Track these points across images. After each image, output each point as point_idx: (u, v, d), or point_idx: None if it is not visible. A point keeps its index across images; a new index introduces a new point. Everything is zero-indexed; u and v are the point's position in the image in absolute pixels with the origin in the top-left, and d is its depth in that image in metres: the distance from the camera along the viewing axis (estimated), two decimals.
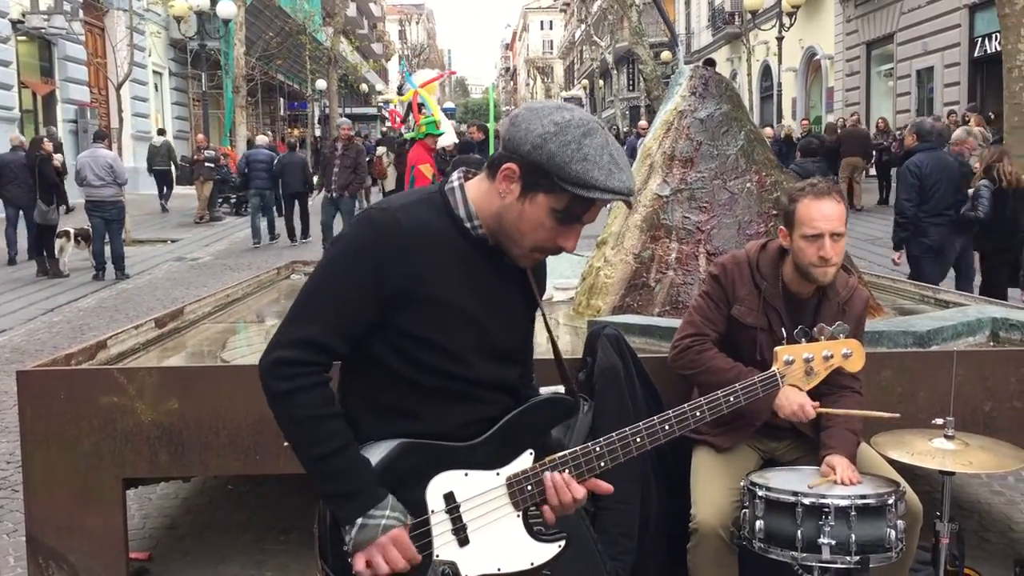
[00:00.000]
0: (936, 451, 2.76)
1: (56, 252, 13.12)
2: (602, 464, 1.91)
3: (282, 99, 41.71)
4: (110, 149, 14.02)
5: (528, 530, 1.90)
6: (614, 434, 1.94)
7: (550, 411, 1.94)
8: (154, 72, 27.85)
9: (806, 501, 2.70)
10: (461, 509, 1.85)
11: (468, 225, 1.84)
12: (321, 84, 38.58)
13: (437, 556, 1.84)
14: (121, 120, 21.10)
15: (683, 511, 3.10)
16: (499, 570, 1.88)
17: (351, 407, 1.91)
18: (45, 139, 14.20)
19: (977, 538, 4.23)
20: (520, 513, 1.89)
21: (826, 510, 2.68)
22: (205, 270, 13.99)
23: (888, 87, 24.62)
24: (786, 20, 23.99)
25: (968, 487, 4.92)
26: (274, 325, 5.25)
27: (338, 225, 13.40)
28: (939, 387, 3.47)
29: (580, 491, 1.90)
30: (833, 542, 2.67)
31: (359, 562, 1.80)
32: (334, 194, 13.46)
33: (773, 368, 2.30)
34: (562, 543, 1.92)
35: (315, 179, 16.41)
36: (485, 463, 1.87)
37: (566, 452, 1.91)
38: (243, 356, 4.44)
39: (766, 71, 31.77)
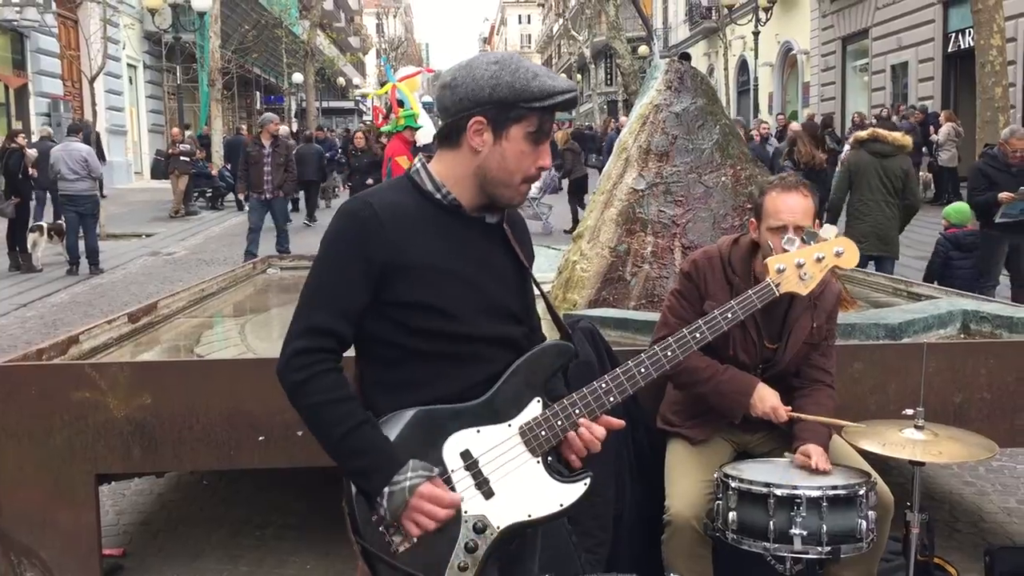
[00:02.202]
0: (906, 442, 2.79)
1: (29, 247, 12.98)
2: (611, 399, 2.00)
3: (258, 93, 41.43)
4: (86, 143, 13.82)
5: (551, 474, 1.96)
6: (618, 368, 2.02)
7: (550, 358, 2.01)
8: (128, 65, 27.58)
9: (778, 492, 2.73)
10: (480, 464, 1.92)
11: (438, 196, 1.96)
12: (298, 78, 38.37)
13: (466, 511, 1.90)
14: (95, 113, 20.89)
15: (657, 503, 3.12)
16: (529, 516, 1.94)
17: (368, 392, 2.00)
18: (21, 134, 14.01)
19: (948, 528, 4.28)
20: (539, 459, 1.95)
21: (798, 501, 2.70)
22: (180, 265, 13.89)
23: (863, 82, 24.80)
24: (762, 15, 24.15)
25: (939, 478, 4.97)
26: (248, 320, 5.25)
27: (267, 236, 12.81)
28: (910, 379, 3.51)
29: (599, 431, 1.99)
30: (805, 533, 2.69)
31: (409, 526, 1.86)
32: (267, 195, 12.53)
33: (767, 279, 2.28)
34: (587, 480, 1.98)
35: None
36: (495, 417, 1.94)
37: (574, 394, 1.98)
38: (217, 351, 4.42)
39: (743, 66, 31.91)
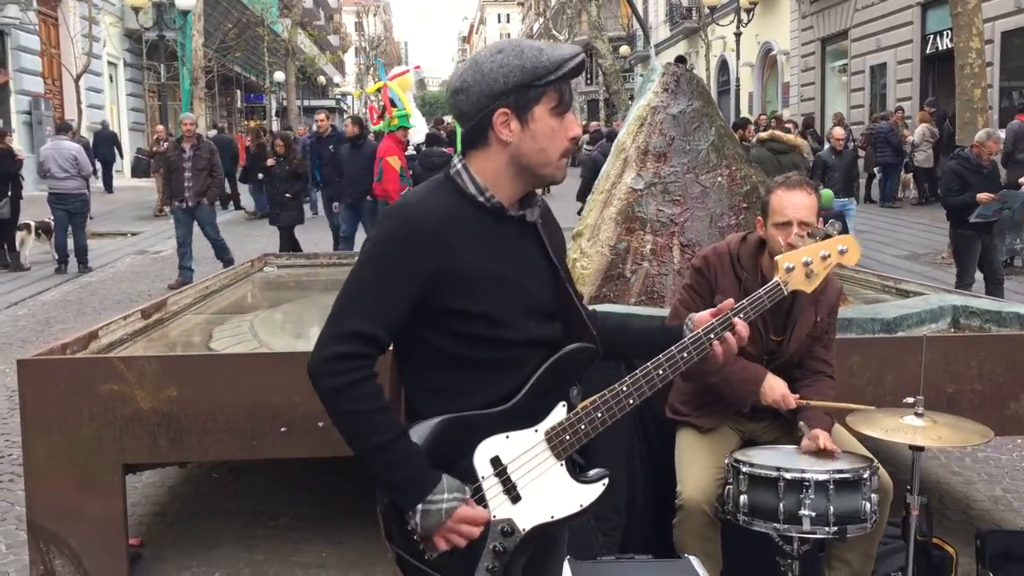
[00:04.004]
0: (907, 427, 2.94)
1: (17, 245, 12.97)
2: (631, 401, 2.04)
3: (239, 91, 41.33)
4: (74, 141, 13.80)
5: (573, 476, 2.02)
6: (637, 371, 2.06)
7: (572, 362, 2.03)
8: (109, 63, 27.46)
9: (788, 476, 2.88)
10: (509, 470, 1.96)
11: (482, 199, 1.97)
12: (279, 76, 38.31)
13: (494, 516, 1.95)
14: (80, 111, 20.81)
15: (668, 489, 3.27)
16: (552, 517, 2.00)
17: (412, 397, 2.02)
18: (7, 135, 13.96)
19: (938, 515, 4.44)
20: (563, 462, 2.01)
21: (806, 484, 2.85)
22: (168, 263, 13.87)
23: (842, 83, 25.08)
24: (743, 16, 24.35)
25: (929, 468, 5.15)
26: (256, 316, 5.36)
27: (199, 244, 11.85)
28: (905, 370, 3.67)
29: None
30: (813, 514, 2.84)
31: (439, 543, 1.90)
32: (189, 203, 11.35)
33: (776, 278, 2.34)
34: (605, 481, 2.05)
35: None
36: (522, 422, 1.98)
37: (596, 397, 2.03)
38: (231, 347, 4.53)
39: (723, 66, 32.18)
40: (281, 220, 12.22)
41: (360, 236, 12.07)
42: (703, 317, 2.19)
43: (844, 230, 3.22)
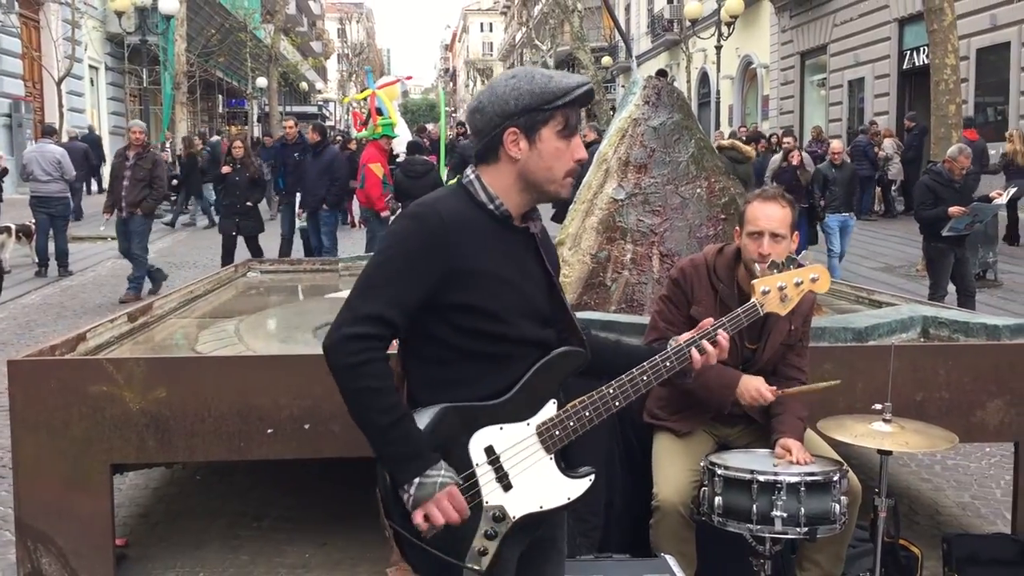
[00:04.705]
0: (875, 433, 3.05)
1: None
2: (616, 403, 2.20)
3: (220, 96, 41.25)
4: (58, 144, 13.79)
5: (561, 470, 2.17)
6: (624, 375, 2.22)
7: (565, 364, 2.20)
8: (90, 67, 27.38)
9: (761, 478, 2.98)
10: (501, 459, 2.11)
11: (492, 207, 2.14)
12: (262, 82, 38.28)
13: (487, 503, 2.09)
14: (61, 115, 20.76)
15: (645, 492, 3.37)
16: (541, 507, 2.14)
17: (414, 388, 2.17)
18: None
19: (907, 520, 4.57)
20: (552, 456, 2.16)
21: (779, 486, 2.96)
22: None
23: (821, 96, 25.39)
24: (724, 29, 24.58)
25: (899, 475, 5.28)
26: (241, 321, 5.42)
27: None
28: (876, 378, 3.78)
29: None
30: (785, 515, 2.95)
31: (418, 516, 2.03)
32: (123, 213, 10.89)
33: (752, 299, 2.50)
34: (591, 477, 2.20)
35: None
36: (516, 416, 2.13)
37: (584, 398, 2.18)
38: (216, 350, 4.60)
39: (704, 78, 32.44)
40: (241, 229, 11.76)
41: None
42: (686, 337, 2.37)
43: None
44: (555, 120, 2.11)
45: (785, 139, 15.47)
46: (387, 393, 2.05)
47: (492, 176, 2.16)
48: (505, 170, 2.14)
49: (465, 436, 2.10)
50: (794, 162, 12.19)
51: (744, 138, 16.70)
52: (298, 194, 12.53)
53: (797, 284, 2.53)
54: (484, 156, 2.16)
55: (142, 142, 11.22)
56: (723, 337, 2.34)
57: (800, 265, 2.60)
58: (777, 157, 13.24)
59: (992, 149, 15.46)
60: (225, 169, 12.05)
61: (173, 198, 21.42)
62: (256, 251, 11.71)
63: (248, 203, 11.82)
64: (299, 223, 12.42)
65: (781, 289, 2.51)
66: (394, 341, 2.15)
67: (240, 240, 11.90)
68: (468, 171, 2.20)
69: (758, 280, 2.54)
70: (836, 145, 12.33)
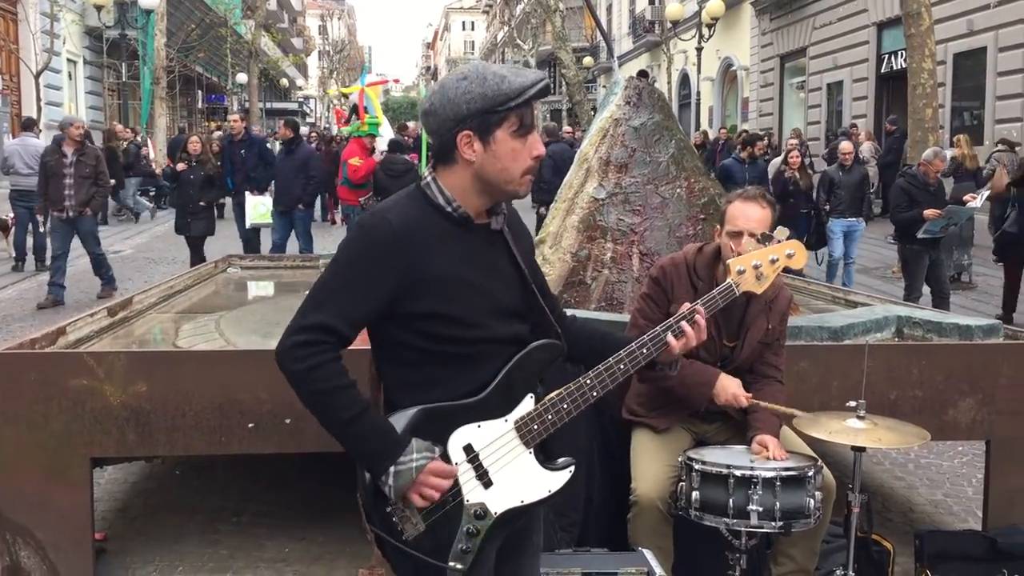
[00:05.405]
0: (849, 430, 3.09)
1: None
2: (594, 393, 2.19)
3: (200, 91, 41.03)
4: (38, 138, 13.67)
5: (541, 463, 2.17)
6: (600, 365, 2.21)
7: (540, 357, 2.18)
8: (68, 60, 27.16)
9: (737, 473, 3.03)
10: (480, 457, 2.10)
11: (449, 209, 2.10)
12: (242, 78, 38.13)
13: (468, 501, 2.09)
14: (39, 108, 20.59)
15: (624, 487, 3.41)
16: (522, 502, 2.14)
17: (390, 391, 2.16)
18: None
19: (880, 517, 4.64)
20: (531, 450, 2.15)
21: (755, 481, 3.01)
22: (128, 263, 13.85)
23: (800, 99, 25.58)
24: (705, 31, 24.73)
25: (873, 472, 5.36)
26: (221, 316, 5.42)
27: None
28: (851, 377, 3.83)
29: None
30: (760, 509, 3.00)
31: (415, 499, 2.04)
32: (70, 213, 10.35)
33: (728, 280, 2.48)
34: (572, 468, 2.20)
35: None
36: (493, 412, 2.12)
37: (561, 389, 2.18)
38: (196, 344, 4.60)
39: (684, 79, 32.62)
40: (191, 230, 11.26)
41: (292, 245, 11.44)
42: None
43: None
44: (509, 121, 2.06)
45: (790, 140, 15.36)
46: (340, 391, 2.02)
47: (449, 178, 2.11)
48: (461, 172, 2.10)
49: (443, 436, 2.09)
50: (794, 165, 11.80)
51: (744, 139, 16.70)
52: (268, 192, 11.89)
53: (773, 261, 2.51)
54: (440, 157, 2.12)
55: (82, 138, 10.73)
56: (700, 316, 2.32)
57: (777, 242, 2.59)
58: (777, 160, 13.06)
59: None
60: (180, 166, 11.56)
61: (152, 192, 21.36)
62: (198, 257, 11.09)
63: (201, 202, 11.33)
64: (253, 220, 11.70)
65: (756, 268, 2.48)
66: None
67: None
68: (426, 172, 2.17)
69: (733, 260, 2.52)
70: (846, 146, 11.41)
